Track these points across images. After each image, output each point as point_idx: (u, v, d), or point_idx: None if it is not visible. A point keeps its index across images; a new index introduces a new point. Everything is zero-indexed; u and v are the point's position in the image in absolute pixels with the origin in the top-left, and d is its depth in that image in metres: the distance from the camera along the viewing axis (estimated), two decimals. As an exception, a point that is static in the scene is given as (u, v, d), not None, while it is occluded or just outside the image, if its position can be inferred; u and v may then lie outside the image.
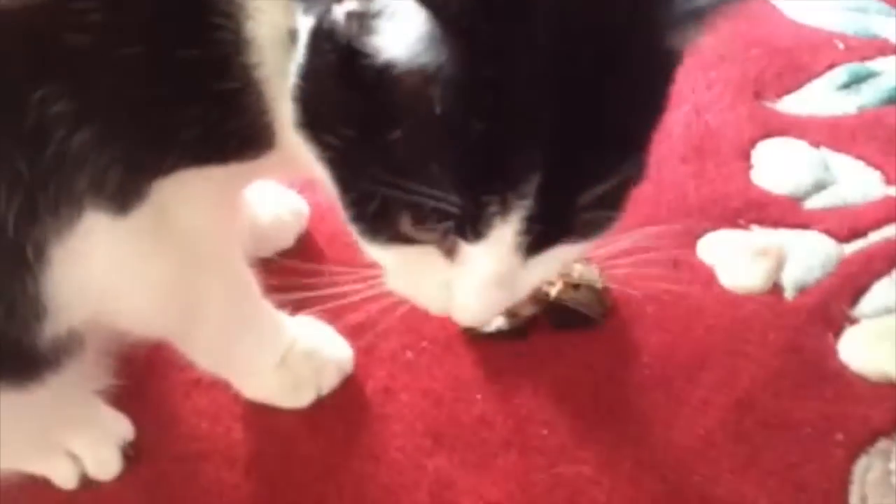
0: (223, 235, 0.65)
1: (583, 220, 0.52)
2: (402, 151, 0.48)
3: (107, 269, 0.59)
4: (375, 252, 0.56)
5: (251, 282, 0.70)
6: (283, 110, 0.53)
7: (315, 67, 0.50)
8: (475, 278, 0.53)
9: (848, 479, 0.73)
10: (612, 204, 0.53)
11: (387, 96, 0.47)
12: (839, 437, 0.75)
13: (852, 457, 0.74)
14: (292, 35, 0.51)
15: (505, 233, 0.49)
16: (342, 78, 0.49)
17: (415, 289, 0.58)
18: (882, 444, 0.74)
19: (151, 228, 0.59)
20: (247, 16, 0.52)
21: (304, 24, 0.50)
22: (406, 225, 0.52)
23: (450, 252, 0.53)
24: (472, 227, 0.49)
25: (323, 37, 0.49)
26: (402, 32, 0.45)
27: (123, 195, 0.56)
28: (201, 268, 0.64)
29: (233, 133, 0.56)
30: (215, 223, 0.63)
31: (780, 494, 0.72)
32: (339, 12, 0.47)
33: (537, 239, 0.50)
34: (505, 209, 0.48)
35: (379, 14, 0.45)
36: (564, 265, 0.71)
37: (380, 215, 0.52)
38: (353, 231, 0.56)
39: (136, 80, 0.52)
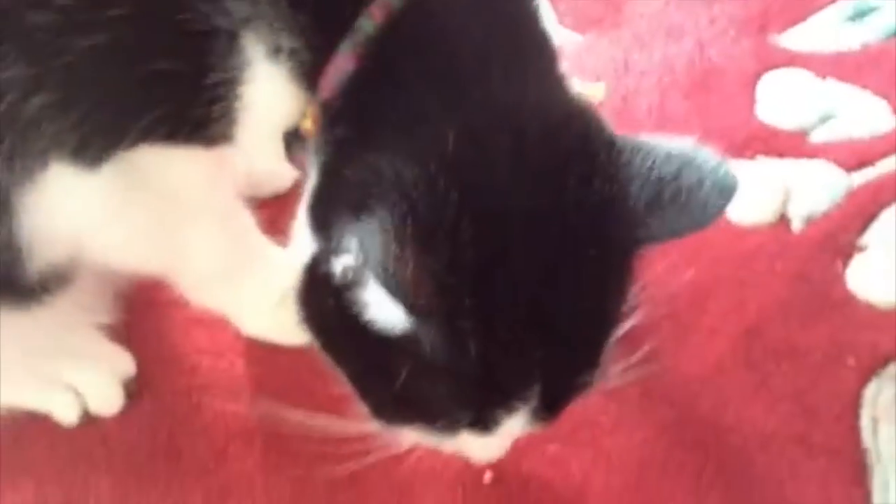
0: (205, 188, 0.63)
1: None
2: (405, 382, 0.51)
3: (80, 218, 0.58)
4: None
5: (244, 222, 0.69)
6: (248, 108, 0.54)
7: (314, 298, 0.54)
8: (487, 448, 0.57)
9: (858, 402, 0.72)
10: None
11: (382, 343, 0.50)
12: (850, 361, 0.74)
13: (863, 381, 0.73)
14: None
15: (514, 422, 0.53)
16: (339, 318, 0.51)
17: (422, 439, 0.59)
18: (893, 368, 0.73)
19: (124, 185, 0.57)
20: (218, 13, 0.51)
21: (307, 243, 0.54)
22: (419, 425, 0.55)
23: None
24: (481, 429, 0.53)
25: (321, 273, 0.52)
26: (384, 311, 0.48)
27: (88, 157, 0.55)
28: (183, 216, 0.63)
29: (191, 121, 0.55)
30: (194, 181, 0.62)
31: (791, 419, 0.71)
32: (336, 265, 0.50)
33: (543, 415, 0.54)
34: (511, 412, 0.52)
35: (363, 284, 0.48)
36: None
37: (396, 415, 0.55)
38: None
39: (98, 63, 0.51)
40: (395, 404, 0.54)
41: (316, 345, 0.56)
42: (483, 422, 0.53)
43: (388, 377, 0.51)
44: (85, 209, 0.57)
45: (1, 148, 0.53)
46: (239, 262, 0.70)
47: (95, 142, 0.54)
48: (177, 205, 0.61)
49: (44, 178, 0.55)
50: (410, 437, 0.58)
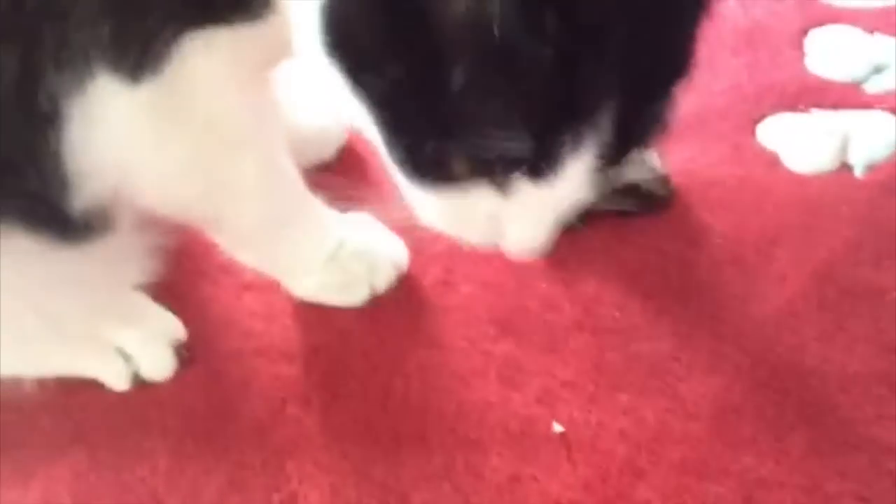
0: (250, 121, 0.60)
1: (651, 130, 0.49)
2: (461, 91, 0.43)
3: (122, 138, 0.56)
4: (417, 193, 0.52)
5: (291, 173, 0.67)
6: None
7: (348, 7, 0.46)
8: (536, 214, 0.50)
9: (942, 339, 0.69)
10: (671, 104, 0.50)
11: (439, 21, 0.42)
12: (928, 297, 0.71)
13: (944, 317, 0.70)
14: None
15: (577, 168, 0.46)
16: (385, 16, 0.44)
17: (457, 224, 0.54)
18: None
19: (167, 105, 0.55)
20: None
21: None
22: (462, 168, 0.48)
23: (503, 186, 0.50)
24: (543, 168, 0.46)
25: None
26: None
27: (129, 61, 0.52)
28: (227, 151, 0.60)
29: None
30: (239, 107, 0.59)
31: (872, 358, 0.68)
32: None
33: (607, 162, 0.47)
34: (578, 143, 0.44)
35: None
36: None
37: (432, 161, 0.48)
38: (394, 172, 0.52)
39: None
40: (438, 147, 0.46)
41: (346, 84, 0.48)
42: (545, 158, 0.45)
43: (435, 92, 0.43)
44: (129, 131, 0.55)
45: (46, 45, 0.51)
46: (285, 213, 0.68)
47: (130, 37, 0.51)
48: (221, 135, 0.58)
49: (91, 89, 0.52)
50: (450, 225, 0.53)
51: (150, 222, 0.63)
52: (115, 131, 0.55)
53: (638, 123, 0.47)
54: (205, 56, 0.54)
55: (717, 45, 0.90)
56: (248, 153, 0.62)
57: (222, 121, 0.58)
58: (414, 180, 0.51)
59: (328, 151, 0.83)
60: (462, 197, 0.51)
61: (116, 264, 0.64)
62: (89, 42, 0.51)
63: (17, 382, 0.66)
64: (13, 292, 0.58)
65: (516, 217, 0.50)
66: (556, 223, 0.52)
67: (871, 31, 0.92)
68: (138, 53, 0.52)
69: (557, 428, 0.66)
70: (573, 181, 0.47)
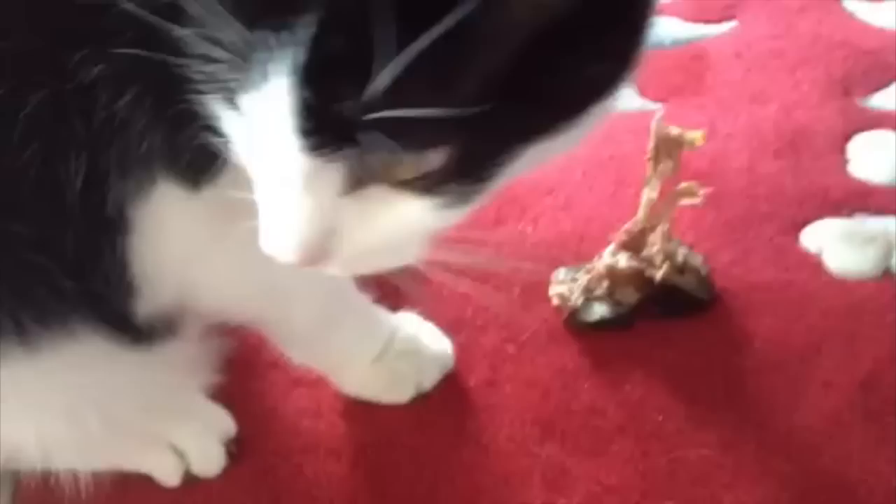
0: None
1: (377, 117, 0.39)
2: None
3: (181, 243, 0.58)
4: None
5: None
6: None
7: None
8: (273, 175, 0.44)
9: None
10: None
11: None
12: (975, 410, 0.71)
13: None
14: None
15: (280, 87, 0.40)
16: None
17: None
18: None
19: (221, 213, 0.55)
20: None
21: None
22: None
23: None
24: (241, 72, 0.41)
25: None
26: None
27: (186, 174, 0.54)
28: None
29: None
30: None
31: (920, 470, 0.68)
32: None
33: (320, 121, 0.40)
34: (277, 50, 0.39)
35: None
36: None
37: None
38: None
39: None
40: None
41: None
42: (245, 58, 0.40)
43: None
44: (187, 237, 0.57)
45: (111, 153, 0.52)
46: (335, 313, 0.70)
47: (184, 146, 0.52)
48: None
49: (154, 195, 0.54)
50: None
51: (213, 328, 0.65)
52: (175, 237, 0.57)
53: (350, 66, 0.39)
54: None
55: (759, 149, 0.92)
56: None
57: None
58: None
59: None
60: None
61: (179, 368, 0.66)
62: (149, 150, 0.53)
63: (72, 476, 0.67)
64: (78, 392, 0.60)
65: (262, 187, 0.46)
66: (318, 225, 0.44)
67: (915, 136, 0.93)
68: (193, 162, 0.54)
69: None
70: (284, 111, 0.40)
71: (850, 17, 1.07)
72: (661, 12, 1.07)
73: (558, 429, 0.72)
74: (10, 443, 0.62)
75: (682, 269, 0.77)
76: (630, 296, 0.77)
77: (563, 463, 0.70)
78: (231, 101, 0.44)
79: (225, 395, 0.74)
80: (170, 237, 0.57)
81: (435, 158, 0.42)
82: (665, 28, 1.06)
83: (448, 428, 0.73)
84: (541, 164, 0.56)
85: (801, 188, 0.88)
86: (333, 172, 0.43)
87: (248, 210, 0.53)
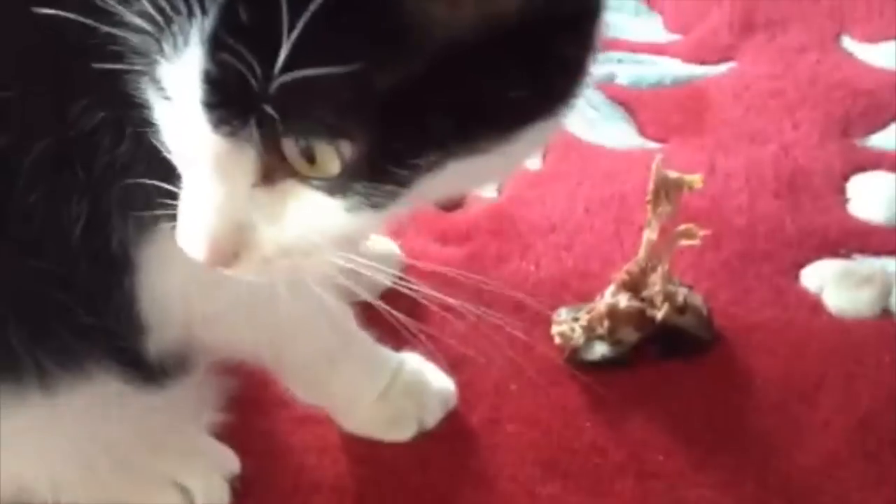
0: None
1: (286, 89, 0.39)
2: None
3: (185, 284, 0.59)
4: None
5: (342, 311, 0.70)
6: None
7: None
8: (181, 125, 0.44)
9: None
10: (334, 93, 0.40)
11: None
12: (973, 451, 0.71)
13: None
14: None
15: (192, 57, 0.40)
16: None
17: None
18: None
19: None
20: None
21: None
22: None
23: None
24: (163, 37, 0.41)
25: None
26: None
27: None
28: (276, 295, 0.63)
29: None
30: None
31: (917, 512, 0.69)
32: None
33: (227, 94, 0.40)
34: (192, 19, 0.40)
35: None
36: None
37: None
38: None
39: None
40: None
41: None
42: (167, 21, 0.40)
43: None
44: (189, 276, 0.58)
45: (113, 193, 0.54)
46: (336, 352, 0.71)
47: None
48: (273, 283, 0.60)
49: (155, 235, 0.55)
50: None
51: (218, 366, 0.66)
52: (177, 276, 0.58)
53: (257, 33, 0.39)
54: None
55: (759, 189, 0.93)
56: (299, 292, 0.65)
57: None
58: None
59: (387, 277, 0.86)
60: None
61: (187, 407, 0.67)
62: (149, 192, 0.53)
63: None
64: (87, 430, 0.61)
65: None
66: (228, 216, 0.44)
67: (913, 177, 0.94)
68: None
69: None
70: (193, 76, 0.41)
71: (849, 57, 1.09)
72: (662, 53, 1.10)
73: (560, 468, 0.73)
74: (21, 481, 0.63)
75: (682, 309, 0.78)
76: (631, 335, 0.78)
77: (565, 502, 0.71)
78: (158, 87, 0.44)
79: (230, 432, 0.74)
80: (172, 276, 0.58)
81: (344, 152, 0.42)
82: (665, 68, 1.08)
83: (450, 466, 0.74)
84: (478, 181, 0.57)
85: (800, 228, 0.90)
86: (244, 158, 0.43)
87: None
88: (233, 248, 0.45)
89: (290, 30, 0.38)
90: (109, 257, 0.57)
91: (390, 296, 0.84)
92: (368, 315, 0.72)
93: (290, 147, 0.42)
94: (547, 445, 0.75)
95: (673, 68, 1.08)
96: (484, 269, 0.87)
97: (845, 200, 0.92)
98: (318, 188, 0.44)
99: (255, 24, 0.39)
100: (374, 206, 0.44)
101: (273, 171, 0.44)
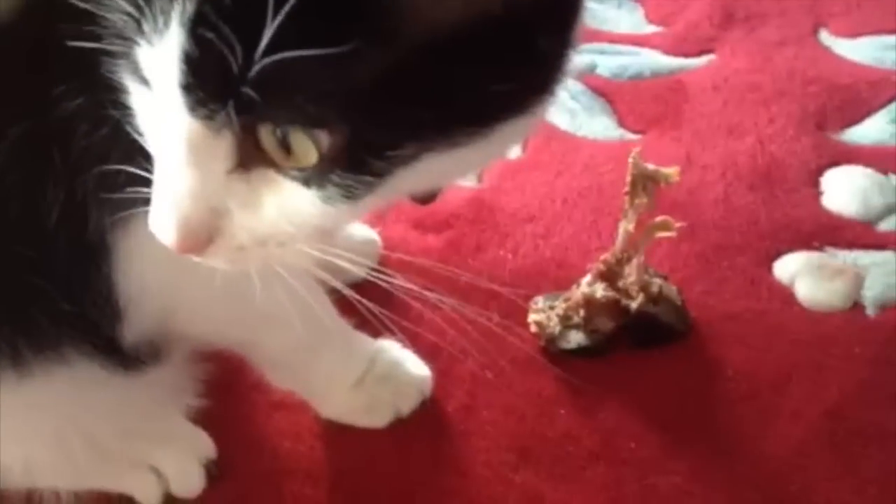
0: None
1: (267, 74, 0.40)
2: None
3: (161, 271, 0.59)
4: None
5: (321, 299, 0.70)
6: None
7: None
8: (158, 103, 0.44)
9: (953, 484, 0.70)
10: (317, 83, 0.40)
11: None
12: (940, 442, 0.73)
13: (957, 462, 0.72)
14: None
15: (172, 39, 0.41)
16: None
17: None
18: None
19: None
20: None
21: None
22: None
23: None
24: (142, 23, 0.42)
25: None
26: None
27: None
28: (255, 281, 0.63)
29: None
30: None
31: (882, 501, 0.70)
32: None
33: (204, 77, 0.41)
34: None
35: None
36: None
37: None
38: None
39: None
40: None
41: None
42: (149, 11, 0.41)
43: None
44: (165, 263, 0.57)
45: (88, 180, 0.53)
46: (315, 339, 0.71)
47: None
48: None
49: (130, 222, 0.55)
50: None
51: (197, 353, 0.67)
52: (153, 263, 0.58)
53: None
54: None
55: (735, 181, 0.94)
56: (275, 281, 0.65)
57: None
58: None
59: (360, 270, 0.87)
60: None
61: (163, 392, 0.67)
62: (124, 180, 0.52)
63: (55, 495, 0.68)
64: (63, 414, 0.62)
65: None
66: (198, 198, 0.44)
67: (886, 172, 0.95)
68: None
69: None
70: (173, 62, 0.41)
71: (826, 51, 1.10)
72: (643, 44, 1.11)
73: (533, 455, 0.74)
74: (-3, 464, 0.64)
75: (657, 299, 0.79)
76: (606, 325, 0.79)
77: (537, 488, 0.72)
78: (136, 71, 0.44)
79: (206, 417, 0.75)
80: (148, 263, 0.59)
81: (322, 142, 0.42)
82: (646, 59, 1.09)
83: (425, 453, 0.74)
84: (455, 174, 0.56)
85: (774, 220, 0.91)
86: (221, 144, 0.43)
87: None
88: (206, 234, 0.45)
89: (276, 12, 0.38)
90: (86, 243, 0.57)
91: (367, 284, 0.86)
92: (346, 302, 0.72)
93: (266, 135, 0.43)
94: (521, 433, 0.75)
95: (653, 60, 1.09)
96: (462, 258, 0.88)
97: (819, 193, 0.94)
98: (294, 178, 0.44)
99: (238, 6, 0.39)
100: (350, 197, 0.44)
101: (249, 158, 0.44)
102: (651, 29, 1.14)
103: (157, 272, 0.59)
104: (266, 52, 0.39)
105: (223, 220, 0.45)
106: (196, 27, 0.40)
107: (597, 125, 1.01)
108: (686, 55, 1.10)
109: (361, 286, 0.84)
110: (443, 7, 0.41)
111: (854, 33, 1.11)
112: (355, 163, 0.43)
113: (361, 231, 0.87)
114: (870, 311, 0.83)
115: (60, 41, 0.48)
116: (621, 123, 1.02)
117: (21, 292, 0.57)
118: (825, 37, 1.11)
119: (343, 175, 0.43)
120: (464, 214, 0.92)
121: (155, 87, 0.43)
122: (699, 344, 0.81)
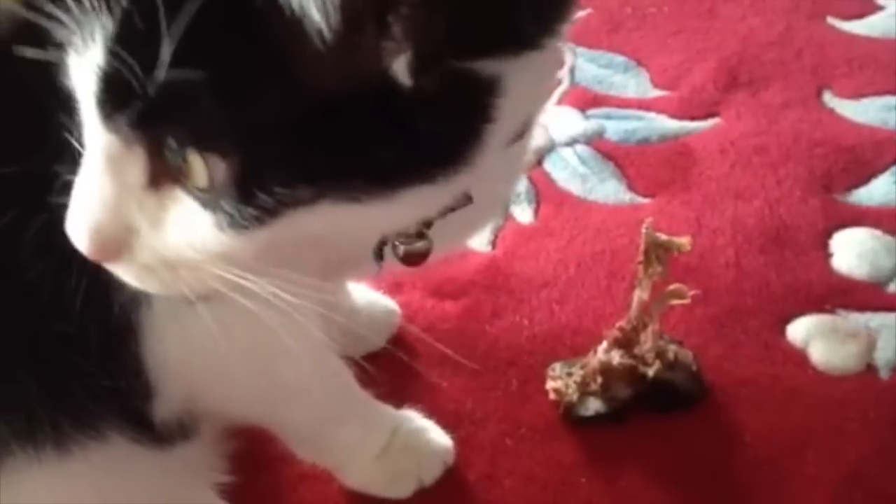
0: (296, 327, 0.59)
1: (163, 93, 0.42)
2: None
3: (183, 350, 0.61)
4: None
5: (341, 372, 0.72)
6: None
7: None
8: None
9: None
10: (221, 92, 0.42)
11: None
12: (957, 506, 0.74)
13: (973, 526, 0.72)
14: None
15: (95, 53, 0.44)
16: None
17: None
18: None
19: (220, 314, 0.55)
20: None
21: None
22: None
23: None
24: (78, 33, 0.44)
25: None
26: None
27: None
28: (276, 355, 0.63)
29: None
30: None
31: (903, 567, 0.71)
32: None
33: (116, 92, 0.43)
34: (101, 15, 0.43)
35: None
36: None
37: None
38: None
39: None
40: None
41: None
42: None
43: None
44: (187, 343, 0.60)
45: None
46: (336, 412, 0.73)
47: None
48: (268, 343, 0.59)
49: (153, 302, 0.57)
50: None
51: (225, 431, 0.68)
52: (176, 342, 0.60)
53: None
54: None
55: (745, 244, 0.96)
56: (298, 355, 0.67)
57: (269, 330, 0.62)
58: None
59: (378, 341, 0.88)
60: None
61: (193, 467, 0.68)
62: None
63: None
64: (98, 489, 0.63)
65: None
66: (110, 205, 0.46)
67: (893, 233, 0.97)
68: None
69: None
70: (96, 58, 0.44)
71: (830, 112, 1.12)
72: (649, 108, 1.13)
73: (556, 524, 0.75)
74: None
75: (672, 365, 0.81)
76: (624, 391, 0.80)
77: (561, 558, 0.73)
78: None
79: (233, 489, 0.76)
80: (170, 342, 0.60)
81: (216, 167, 0.44)
82: (652, 123, 1.11)
83: (449, 523, 0.75)
84: (372, 230, 0.56)
85: (785, 284, 0.92)
86: (133, 158, 0.45)
87: (244, 319, 0.54)
88: (115, 245, 0.47)
89: (170, 33, 0.41)
90: (114, 323, 0.58)
91: (386, 354, 0.87)
92: (367, 373, 0.74)
93: (169, 153, 0.44)
94: (543, 501, 0.76)
95: (660, 124, 1.11)
96: (479, 324, 0.90)
97: (829, 255, 0.95)
98: (196, 198, 0.45)
99: (144, 29, 0.42)
100: (238, 227, 0.45)
101: (160, 175, 0.45)
102: (657, 93, 1.16)
103: (178, 351, 0.61)
104: (161, 71, 0.41)
105: (131, 236, 0.46)
106: (111, 44, 0.43)
107: (607, 189, 1.03)
108: (692, 118, 1.12)
109: (381, 356, 0.87)
110: (326, 62, 0.42)
111: (857, 94, 1.14)
112: (245, 193, 0.44)
113: (381, 301, 0.88)
114: (883, 374, 0.84)
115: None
116: (631, 188, 1.04)
117: (61, 368, 0.59)
118: (829, 98, 1.14)
119: (233, 203, 0.44)
120: (479, 281, 0.93)
121: (80, 97, 0.46)
122: (716, 409, 0.82)
